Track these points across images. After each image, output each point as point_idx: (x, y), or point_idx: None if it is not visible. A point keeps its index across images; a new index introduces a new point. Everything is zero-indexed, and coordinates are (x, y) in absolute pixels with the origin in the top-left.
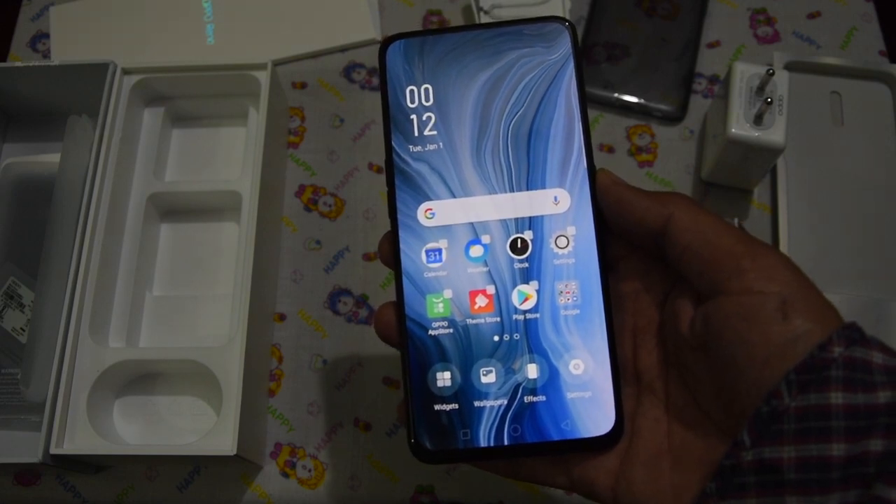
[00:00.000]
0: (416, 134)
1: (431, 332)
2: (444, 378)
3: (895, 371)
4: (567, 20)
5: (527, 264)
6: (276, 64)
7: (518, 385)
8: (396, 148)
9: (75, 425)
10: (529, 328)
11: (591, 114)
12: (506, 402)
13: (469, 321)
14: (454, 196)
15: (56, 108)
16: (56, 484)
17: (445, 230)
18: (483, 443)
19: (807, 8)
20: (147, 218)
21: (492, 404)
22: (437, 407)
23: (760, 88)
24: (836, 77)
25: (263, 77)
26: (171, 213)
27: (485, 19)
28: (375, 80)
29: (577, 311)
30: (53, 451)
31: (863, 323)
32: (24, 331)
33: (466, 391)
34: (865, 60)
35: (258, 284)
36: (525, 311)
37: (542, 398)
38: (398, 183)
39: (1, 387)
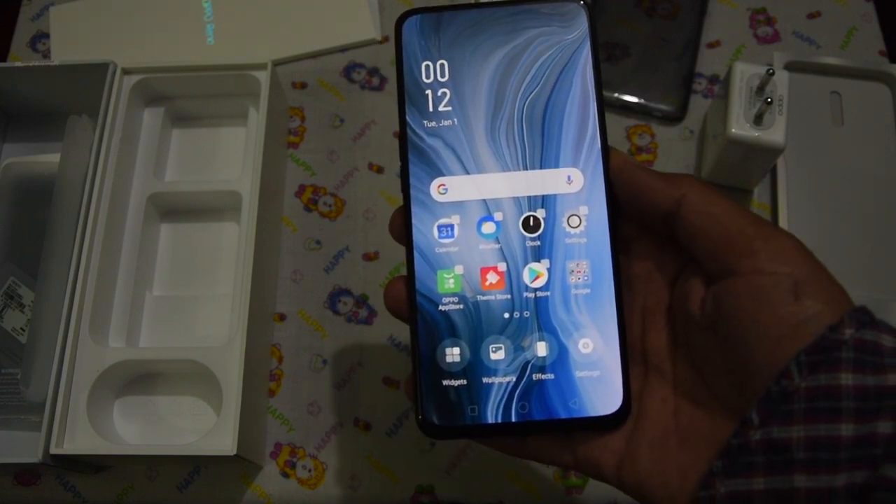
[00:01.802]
0: (431, 109)
1: (441, 308)
2: (453, 354)
3: None
4: (584, 0)
5: (538, 242)
6: (276, 64)
7: (527, 362)
8: (411, 123)
9: (75, 425)
10: (539, 306)
11: None
12: (514, 379)
13: (479, 297)
14: (468, 172)
15: (56, 108)
16: (56, 484)
17: (458, 206)
18: (491, 419)
19: (807, 8)
20: (147, 218)
21: (500, 381)
22: (445, 383)
23: (760, 88)
24: (836, 77)
25: (263, 77)
26: (171, 213)
27: None
28: (375, 80)
29: (588, 291)
30: (53, 451)
31: None
32: (24, 331)
33: (475, 367)
34: (865, 60)
35: (258, 284)
36: (536, 289)
37: (550, 376)
38: (412, 158)
39: (1, 387)
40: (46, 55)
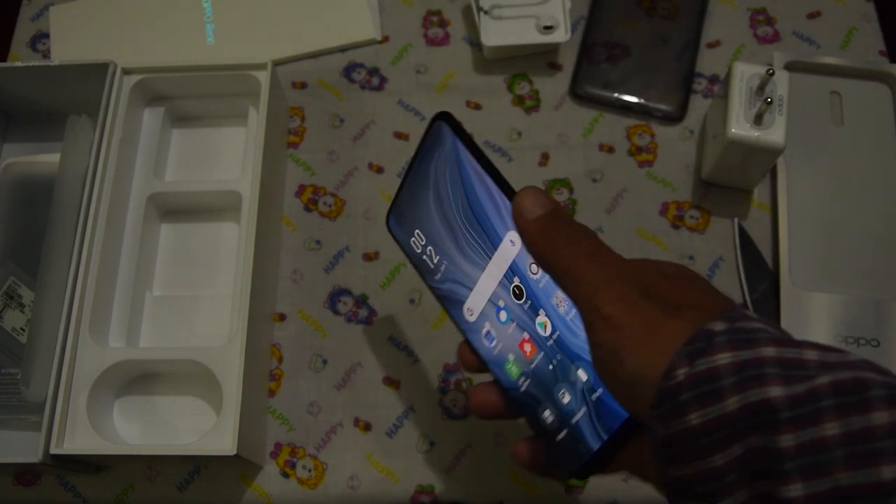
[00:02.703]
0: (432, 266)
1: (522, 389)
2: (548, 415)
3: (742, 367)
4: (441, 113)
5: (529, 301)
6: (276, 64)
7: (582, 391)
8: (430, 284)
9: (75, 425)
10: (561, 345)
11: (591, 114)
12: (586, 408)
13: (531, 366)
14: (471, 289)
15: (56, 108)
16: (56, 484)
17: (483, 316)
18: (595, 446)
19: (807, 8)
20: (147, 218)
21: (581, 415)
22: (557, 438)
23: (760, 88)
24: (836, 77)
25: (263, 77)
26: (171, 213)
27: (484, 19)
28: (375, 80)
29: (575, 311)
30: (53, 451)
31: (863, 323)
32: (24, 331)
33: (563, 416)
34: (865, 60)
35: (258, 284)
36: (551, 335)
37: (599, 391)
38: (447, 306)
39: (1, 387)
40: (46, 55)
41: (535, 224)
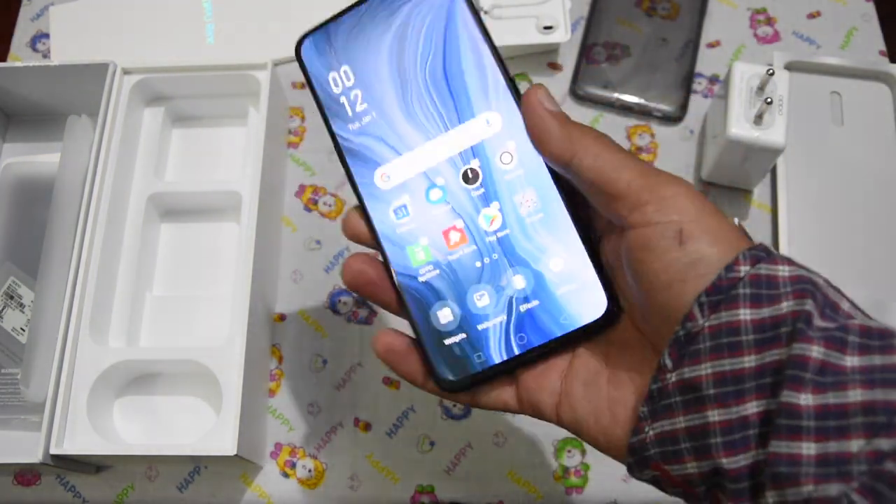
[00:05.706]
0: (350, 113)
1: (421, 279)
2: (445, 315)
3: (798, 280)
4: None
5: (482, 189)
6: (276, 64)
7: (511, 298)
8: (338, 132)
9: (75, 425)
10: (503, 245)
11: (591, 114)
12: (505, 317)
13: (450, 257)
14: (400, 154)
15: (56, 108)
16: (56, 484)
17: (403, 186)
18: (497, 359)
19: (807, 8)
20: (147, 218)
21: (493, 323)
22: (447, 342)
23: (760, 88)
24: (836, 77)
25: (263, 77)
26: (171, 213)
27: (484, 19)
28: None
29: (542, 215)
30: (53, 451)
31: None
32: (24, 331)
33: (468, 319)
34: (865, 60)
35: (258, 284)
36: (495, 232)
37: (535, 303)
38: (350, 161)
39: (1, 387)
40: (46, 55)
41: (560, 115)
